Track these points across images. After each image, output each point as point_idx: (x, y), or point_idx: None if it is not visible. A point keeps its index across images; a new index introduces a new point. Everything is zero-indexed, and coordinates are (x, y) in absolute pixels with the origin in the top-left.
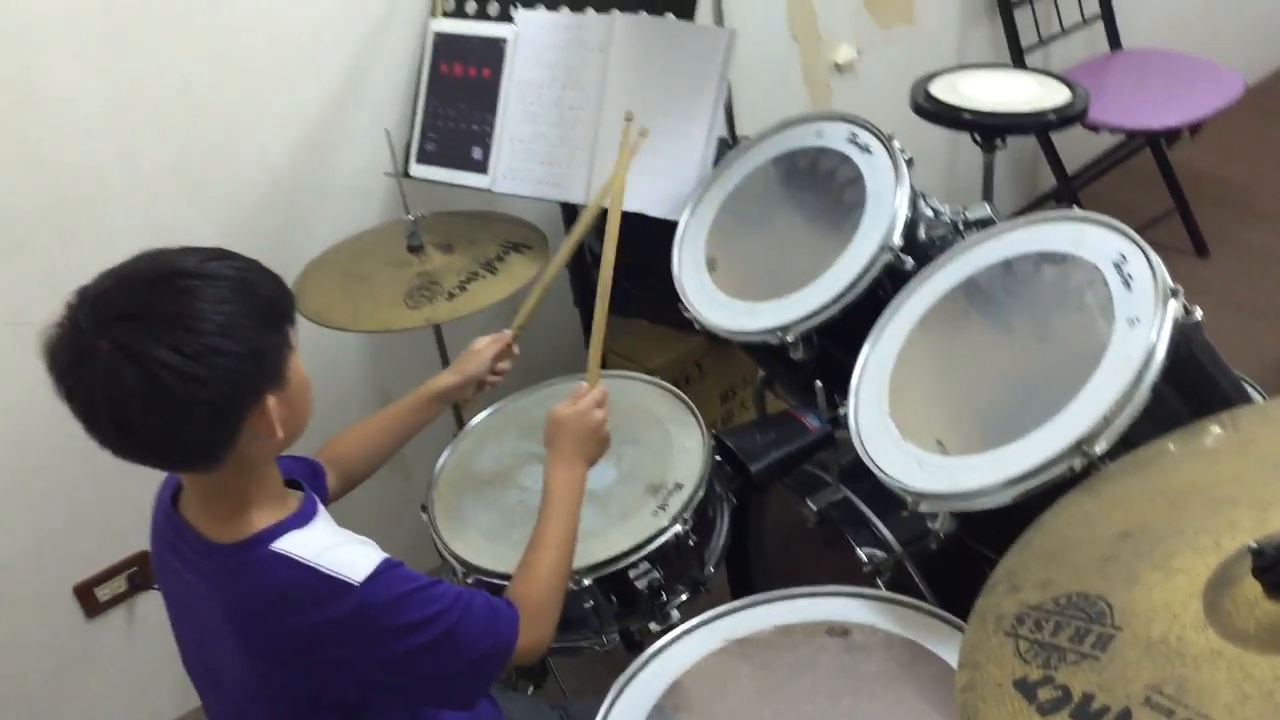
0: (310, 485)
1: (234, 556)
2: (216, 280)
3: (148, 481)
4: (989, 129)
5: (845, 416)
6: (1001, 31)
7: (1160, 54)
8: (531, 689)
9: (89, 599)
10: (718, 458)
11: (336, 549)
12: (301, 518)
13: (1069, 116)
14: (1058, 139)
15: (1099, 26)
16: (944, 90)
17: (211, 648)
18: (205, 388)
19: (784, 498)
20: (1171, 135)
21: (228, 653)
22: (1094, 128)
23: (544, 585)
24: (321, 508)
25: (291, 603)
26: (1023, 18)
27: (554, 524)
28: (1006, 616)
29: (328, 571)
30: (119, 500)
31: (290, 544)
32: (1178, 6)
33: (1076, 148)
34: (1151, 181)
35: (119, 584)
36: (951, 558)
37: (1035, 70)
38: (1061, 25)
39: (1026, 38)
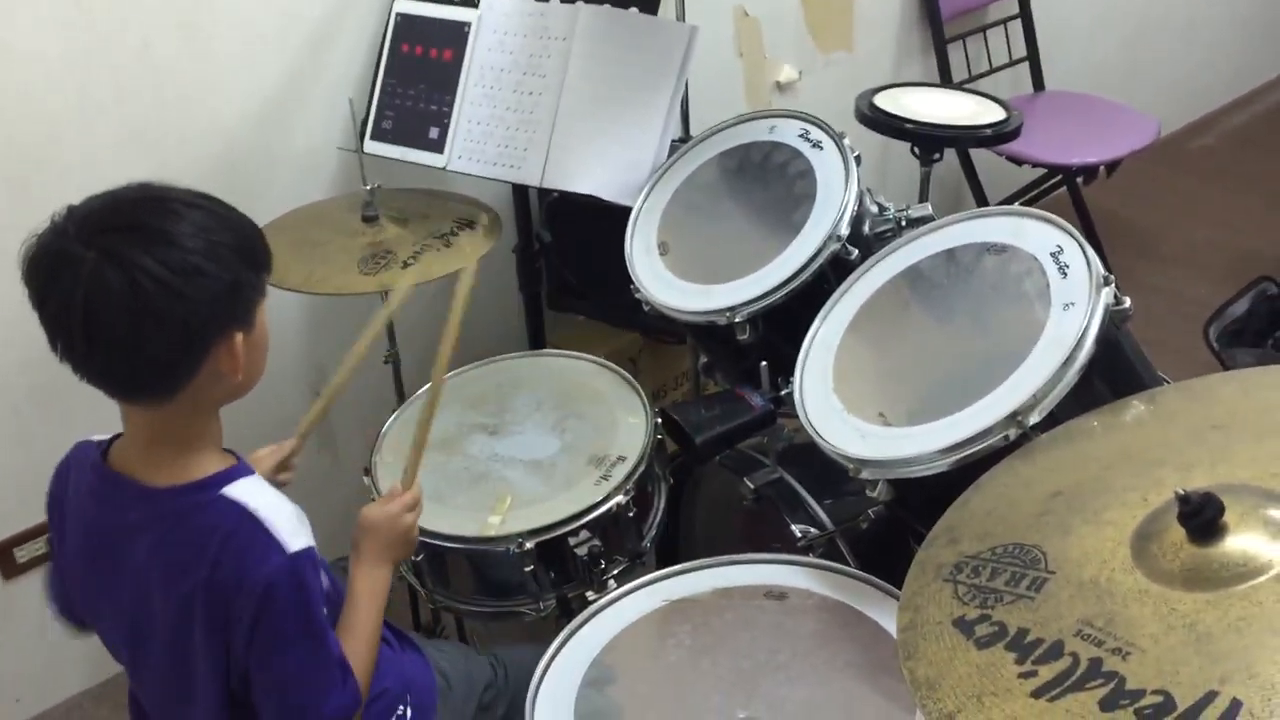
0: None
1: (180, 498)
2: (202, 210)
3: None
4: (929, 140)
5: (791, 392)
6: (934, 65)
7: (1080, 96)
8: None
9: (7, 560)
10: (659, 436)
11: (280, 509)
12: (246, 469)
13: (1004, 133)
14: (981, 171)
15: (1025, 68)
16: (888, 102)
17: (140, 615)
18: (183, 304)
19: (717, 482)
20: (1089, 174)
21: (151, 616)
22: (1016, 160)
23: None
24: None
25: (229, 550)
26: (954, 53)
27: (362, 619)
28: (946, 565)
29: (269, 526)
30: (45, 461)
31: (241, 491)
32: (1099, 55)
33: (997, 181)
34: (1065, 218)
35: (39, 546)
36: (879, 538)
37: (972, 91)
38: (990, 63)
39: (957, 73)
